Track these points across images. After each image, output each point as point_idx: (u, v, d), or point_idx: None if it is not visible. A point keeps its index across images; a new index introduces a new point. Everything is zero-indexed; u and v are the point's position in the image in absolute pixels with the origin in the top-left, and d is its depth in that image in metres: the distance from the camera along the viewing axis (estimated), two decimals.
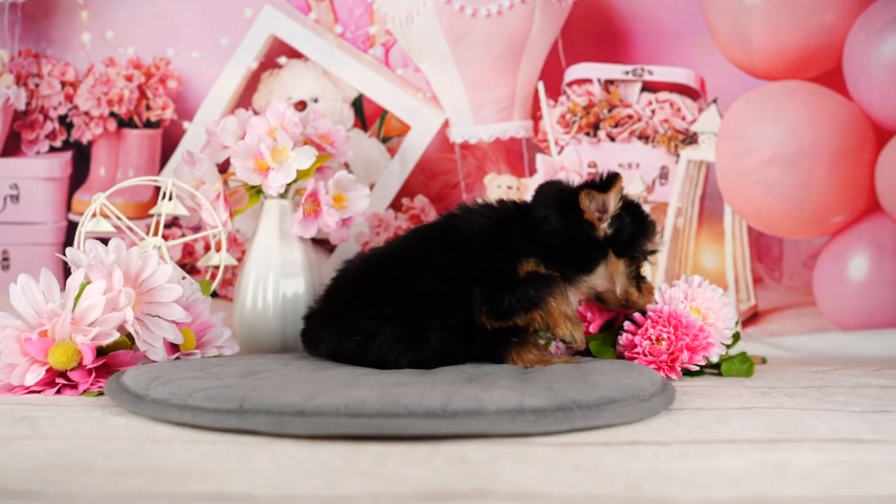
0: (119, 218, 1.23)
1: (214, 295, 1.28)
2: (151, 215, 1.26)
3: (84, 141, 1.60)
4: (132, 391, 0.83)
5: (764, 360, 1.36)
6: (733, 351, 1.21)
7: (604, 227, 1.09)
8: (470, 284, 1.03)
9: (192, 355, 1.09)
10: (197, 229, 1.57)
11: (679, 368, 1.11)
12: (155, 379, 0.83)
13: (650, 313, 1.13)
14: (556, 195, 1.11)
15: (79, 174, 1.61)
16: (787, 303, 1.61)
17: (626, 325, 1.15)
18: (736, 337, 1.19)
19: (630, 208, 1.12)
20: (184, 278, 1.16)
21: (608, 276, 1.11)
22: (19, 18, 1.60)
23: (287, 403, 0.71)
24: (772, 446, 0.68)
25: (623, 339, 1.14)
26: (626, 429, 0.76)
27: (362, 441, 0.68)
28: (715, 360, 1.15)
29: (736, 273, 1.60)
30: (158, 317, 1.03)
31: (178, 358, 1.07)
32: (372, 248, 1.21)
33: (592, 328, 1.18)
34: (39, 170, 1.59)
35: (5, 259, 1.58)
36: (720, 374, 1.19)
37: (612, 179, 1.06)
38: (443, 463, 0.61)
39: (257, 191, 1.29)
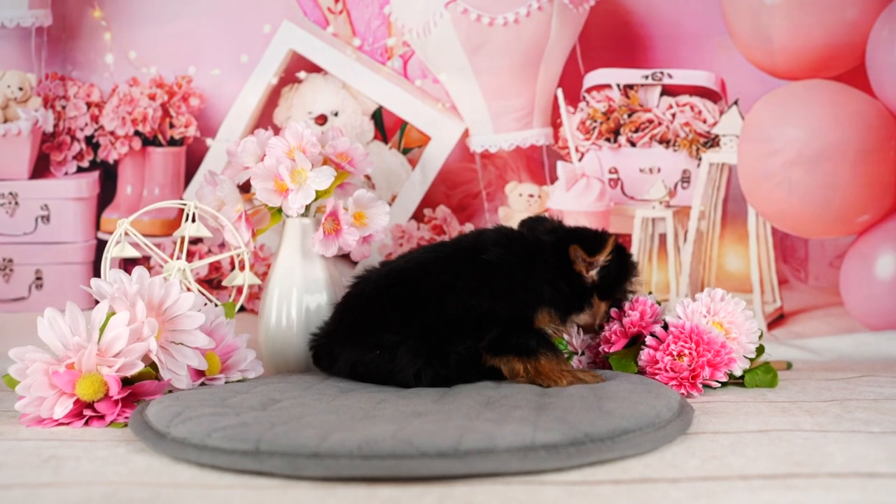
0: (144, 242, 1.25)
1: (242, 310, 1.30)
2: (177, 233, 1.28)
3: (110, 160, 1.63)
4: (154, 428, 0.85)
5: (789, 366, 1.35)
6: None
7: (592, 275, 1.15)
8: (491, 319, 1.07)
9: (216, 380, 1.11)
10: (223, 245, 1.59)
11: (700, 385, 1.10)
12: (176, 416, 0.85)
13: (672, 328, 1.13)
14: (551, 238, 1.16)
15: (106, 193, 1.64)
16: (813, 304, 1.60)
17: (648, 340, 1.14)
18: (760, 350, 1.18)
19: (616, 253, 1.15)
20: (206, 304, 1.18)
21: (592, 314, 1.18)
22: (45, 42, 1.63)
23: (301, 445, 0.73)
24: (784, 483, 0.68)
25: (645, 354, 1.14)
26: (639, 461, 0.76)
27: (375, 483, 0.69)
28: (738, 373, 1.15)
29: (761, 275, 1.59)
30: (182, 344, 1.05)
31: (203, 384, 1.09)
32: (385, 262, 1.25)
33: (615, 348, 1.18)
34: (68, 190, 1.63)
35: (38, 278, 1.62)
36: (744, 385, 1.18)
37: (602, 243, 1.12)
38: None
39: (278, 210, 1.30)
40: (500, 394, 0.98)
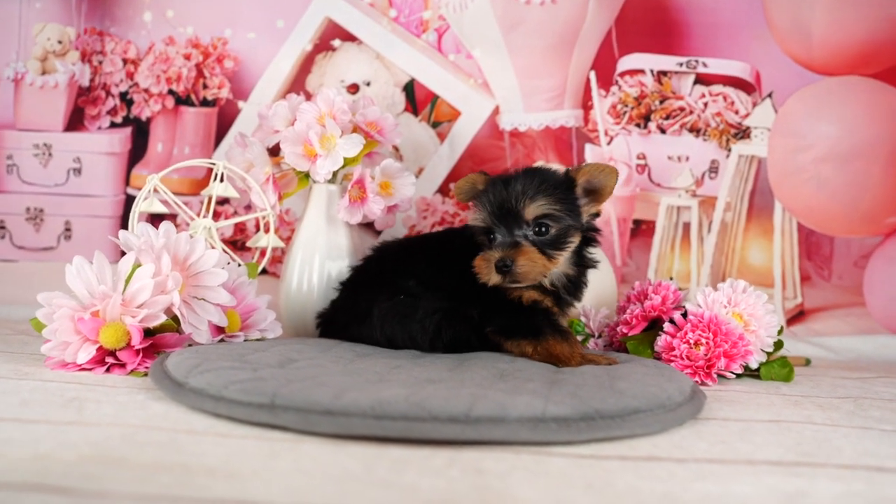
0: (172, 199, 1.26)
1: (264, 272, 1.32)
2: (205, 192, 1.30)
3: (143, 117, 1.65)
4: (173, 378, 0.86)
5: (808, 362, 1.35)
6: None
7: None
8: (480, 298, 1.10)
9: (235, 338, 1.13)
10: (249, 207, 1.60)
11: (715, 375, 1.10)
12: (195, 367, 0.87)
13: (690, 317, 1.13)
14: None
15: (137, 150, 1.66)
16: (835, 302, 1.59)
17: (666, 326, 1.14)
18: (778, 345, 1.18)
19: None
20: (229, 263, 1.19)
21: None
22: None
23: (315, 402, 0.74)
24: (790, 471, 0.68)
25: (661, 340, 1.14)
26: (647, 441, 0.77)
27: (386, 443, 0.71)
28: (754, 366, 1.14)
29: (783, 270, 1.58)
30: (204, 300, 1.07)
31: (222, 340, 1.11)
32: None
33: (634, 331, 1.18)
34: (101, 145, 1.65)
35: (67, 230, 1.64)
36: (759, 377, 1.18)
37: None
38: (459, 474, 0.63)
39: (306, 175, 1.31)
40: (514, 367, 0.99)
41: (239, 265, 1.22)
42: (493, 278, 1.06)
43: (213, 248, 1.22)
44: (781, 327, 1.19)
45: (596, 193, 1.10)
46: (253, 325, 1.17)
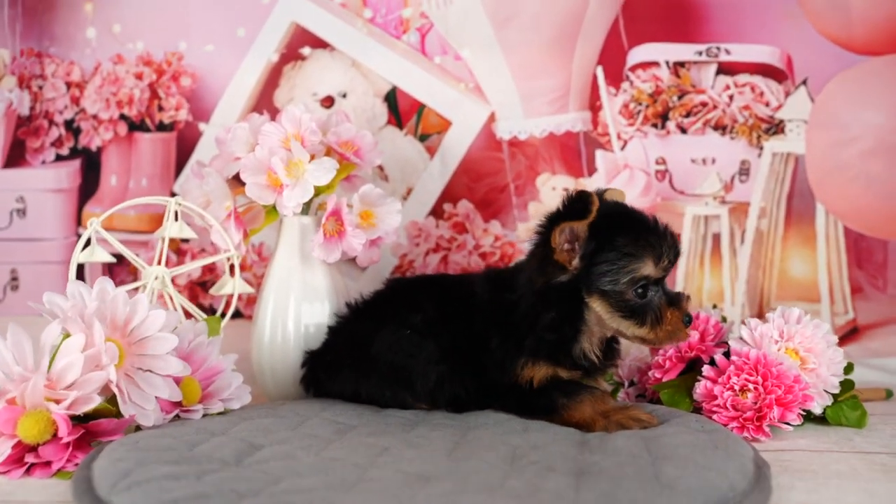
0: (118, 246, 1.12)
1: (239, 315, 1.17)
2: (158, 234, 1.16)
3: (93, 147, 1.54)
4: (96, 492, 0.71)
5: (889, 394, 1.19)
6: None
7: (574, 263, 0.94)
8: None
9: (192, 413, 0.97)
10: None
11: (767, 428, 0.94)
12: (125, 476, 0.72)
13: (734, 357, 0.98)
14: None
15: (88, 184, 1.55)
16: (893, 316, 1.46)
17: (705, 370, 0.99)
18: (847, 385, 1.02)
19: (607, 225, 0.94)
20: (181, 323, 1.04)
21: (598, 321, 0.96)
22: (20, 14, 1.53)
23: None
24: None
25: (701, 387, 0.99)
26: None
27: None
28: (818, 412, 0.99)
29: (830, 282, 1.45)
30: (151, 371, 0.91)
31: (177, 416, 0.96)
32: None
33: (668, 375, 1.04)
34: (46, 181, 1.53)
35: (14, 279, 1.53)
36: (823, 423, 1.01)
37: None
38: None
39: (273, 207, 1.17)
40: (528, 443, 0.84)
41: (197, 320, 1.06)
42: (682, 335, 0.95)
43: (171, 298, 1.12)
44: (850, 364, 1.04)
45: None
46: (215, 394, 1.01)
